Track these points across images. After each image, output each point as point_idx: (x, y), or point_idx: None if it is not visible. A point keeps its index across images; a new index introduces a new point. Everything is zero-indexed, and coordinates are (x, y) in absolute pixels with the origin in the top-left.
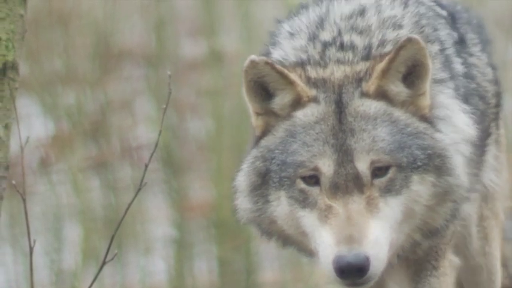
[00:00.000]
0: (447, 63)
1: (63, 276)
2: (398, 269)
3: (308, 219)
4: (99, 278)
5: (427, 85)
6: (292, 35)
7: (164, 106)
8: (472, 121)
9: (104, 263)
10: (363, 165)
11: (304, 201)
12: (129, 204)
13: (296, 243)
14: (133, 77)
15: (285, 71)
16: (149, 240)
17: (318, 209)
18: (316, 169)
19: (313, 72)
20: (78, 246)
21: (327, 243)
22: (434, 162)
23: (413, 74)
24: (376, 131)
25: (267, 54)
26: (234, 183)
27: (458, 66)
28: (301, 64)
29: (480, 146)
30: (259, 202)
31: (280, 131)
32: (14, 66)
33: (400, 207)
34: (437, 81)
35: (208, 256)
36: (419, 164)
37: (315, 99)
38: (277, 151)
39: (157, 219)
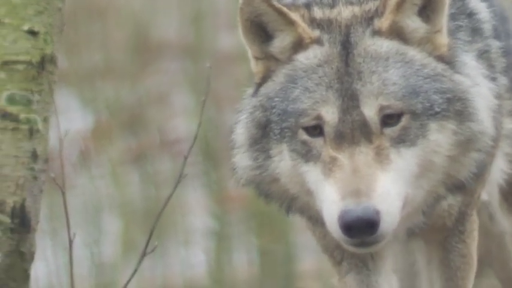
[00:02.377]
0: (478, 40)
1: (103, 268)
2: (425, 237)
3: (312, 173)
4: (139, 270)
5: (444, 20)
6: None
7: (203, 98)
8: (494, 87)
9: (143, 255)
10: (370, 111)
11: (307, 154)
12: (169, 197)
13: (301, 206)
14: (171, 70)
15: (284, 9)
16: (189, 232)
17: (321, 161)
18: (319, 117)
19: (318, 13)
20: (118, 238)
21: (331, 199)
22: (454, 107)
23: (428, 8)
24: (387, 73)
25: None
26: (232, 136)
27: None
28: (307, 4)
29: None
30: (260, 158)
31: (280, 76)
32: (53, 60)
33: (415, 159)
34: (459, 40)
35: (248, 247)
36: (437, 110)
37: (318, 41)
38: (277, 99)
39: (196, 211)
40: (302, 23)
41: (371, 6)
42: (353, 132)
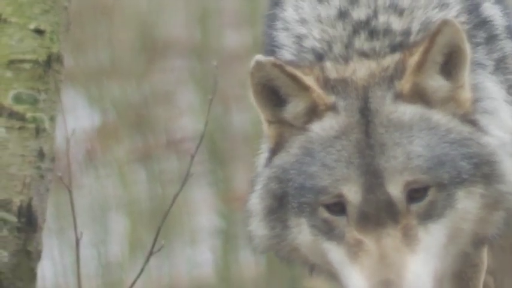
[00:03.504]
0: (494, 49)
1: (110, 268)
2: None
3: (335, 254)
4: (145, 269)
5: (466, 74)
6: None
7: (210, 97)
8: None
9: (150, 254)
10: (395, 189)
11: (329, 232)
12: (176, 196)
13: (325, 272)
14: (178, 69)
15: (298, 73)
16: (195, 231)
17: (346, 243)
18: (340, 196)
19: (332, 72)
20: (124, 238)
21: (359, 287)
22: (482, 171)
23: (449, 64)
24: (412, 145)
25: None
26: (247, 206)
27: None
28: (319, 56)
29: None
30: (277, 227)
31: (294, 147)
32: (59, 59)
33: (444, 231)
34: (479, 65)
35: None
36: (464, 177)
37: (333, 108)
38: (293, 172)
39: (203, 210)
40: (317, 88)
41: (389, 62)
42: (378, 212)
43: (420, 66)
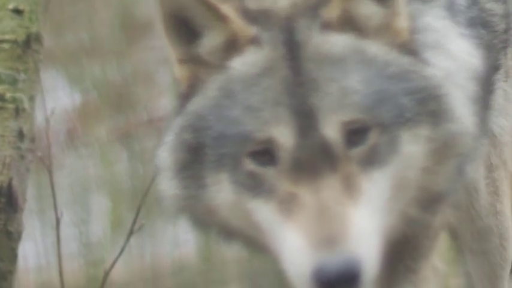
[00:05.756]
0: None
1: (91, 247)
2: None
3: (264, 212)
4: (127, 248)
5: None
6: None
7: None
8: (475, 48)
9: (130, 233)
10: (331, 130)
11: (256, 187)
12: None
13: (247, 239)
14: (158, 48)
15: (214, 1)
16: None
17: (277, 198)
18: (270, 141)
19: (251, 2)
20: (106, 217)
21: (297, 249)
22: (427, 108)
23: None
24: (346, 80)
25: None
26: (156, 161)
27: None
28: None
29: (487, 84)
30: (192, 186)
31: (212, 89)
32: (38, 38)
33: (388, 180)
34: (422, 0)
35: None
36: (407, 116)
37: (256, 41)
38: (211, 118)
39: None
40: (236, 18)
41: None
42: (314, 159)
43: None
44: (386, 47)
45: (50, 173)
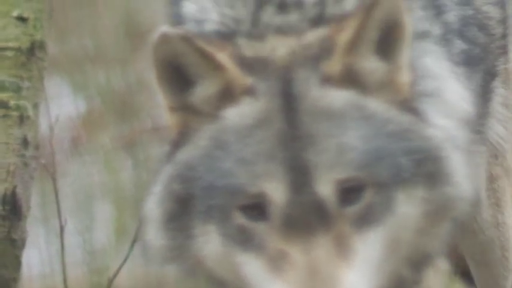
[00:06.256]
0: (441, 11)
1: (96, 255)
2: None
3: (253, 268)
4: (131, 256)
5: (406, 53)
6: None
7: None
8: (468, 92)
9: (134, 240)
10: (326, 188)
11: (245, 242)
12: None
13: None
14: None
15: (210, 50)
16: None
17: (266, 254)
18: (262, 196)
19: (248, 50)
20: (110, 225)
21: None
22: (425, 170)
23: (386, 41)
24: (344, 136)
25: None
26: (143, 211)
27: None
28: (231, 36)
29: (484, 92)
30: (179, 237)
31: (203, 138)
32: (42, 46)
33: (382, 241)
34: (419, 36)
35: None
36: (404, 176)
37: (251, 91)
38: (201, 169)
39: None
40: (232, 67)
41: (312, 38)
42: (306, 216)
43: (353, 45)
44: (386, 104)
45: (54, 180)
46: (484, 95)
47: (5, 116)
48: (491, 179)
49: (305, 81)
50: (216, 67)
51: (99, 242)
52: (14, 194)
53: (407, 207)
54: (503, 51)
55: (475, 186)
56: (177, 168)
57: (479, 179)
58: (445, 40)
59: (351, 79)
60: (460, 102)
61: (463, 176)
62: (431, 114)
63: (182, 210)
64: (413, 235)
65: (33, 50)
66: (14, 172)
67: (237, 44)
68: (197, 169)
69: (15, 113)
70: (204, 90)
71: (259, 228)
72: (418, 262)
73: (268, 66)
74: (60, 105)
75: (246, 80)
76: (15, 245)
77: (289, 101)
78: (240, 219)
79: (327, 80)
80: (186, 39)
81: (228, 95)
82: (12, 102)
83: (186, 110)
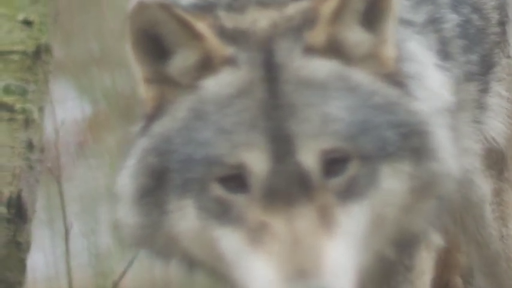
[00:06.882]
0: (424, 4)
1: (101, 258)
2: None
3: (231, 241)
4: (136, 259)
5: (391, 26)
6: None
7: None
8: (449, 81)
9: None
10: (309, 158)
11: (223, 215)
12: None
13: (210, 269)
14: None
15: (189, 18)
16: None
17: (246, 227)
18: (241, 166)
19: (228, 21)
20: (115, 228)
21: (266, 281)
22: (410, 144)
23: (372, 13)
24: (327, 106)
25: None
26: (116, 187)
27: None
28: (209, 8)
29: (482, 83)
30: (153, 213)
31: (181, 109)
32: (48, 49)
33: (366, 215)
34: (404, 23)
35: None
36: (390, 150)
37: (232, 61)
38: (178, 140)
39: None
40: (212, 37)
41: (294, 11)
42: (288, 187)
43: (337, 15)
44: (372, 76)
45: (59, 183)
46: (480, 85)
47: (10, 119)
48: (495, 192)
49: (287, 51)
50: (195, 36)
51: (104, 245)
52: (19, 197)
53: (393, 182)
54: (500, 40)
55: (462, 165)
56: (152, 141)
57: (469, 161)
58: (428, 29)
59: (334, 49)
60: (441, 90)
61: (448, 152)
62: (416, 92)
63: (157, 185)
64: (398, 212)
65: (38, 54)
66: (20, 175)
67: (216, 15)
68: (174, 141)
69: (20, 117)
70: (182, 61)
71: (239, 200)
72: (403, 242)
73: (249, 37)
74: (66, 109)
75: (226, 49)
76: (20, 248)
77: (270, 71)
78: (218, 191)
79: (310, 50)
80: (164, 7)
81: (207, 65)
82: (17, 106)
83: (163, 82)
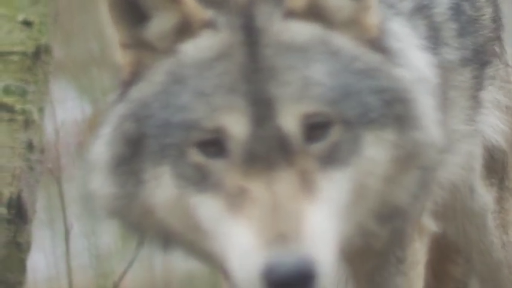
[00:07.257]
0: None
1: (101, 259)
2: (351, 267)
3: (209, 208)
4: (137, 260)
5: None
6: None
7: None
8: (431, 61)
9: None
10: (290, 122)
11: (201, 181)
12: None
13: (186, 244)
14: None
15: None
16: None
17: (225, 193)
18: (220, 130)
19: None
20: (116, 229)
21: (246, 246)
22: (393, 111)
23: None
24: (309, 70)
25: None
26: (89, 157)
27: None
28: None
29: (477, 78)
30: (129, 183)
31: (159, 73)
32: (48, 50)
33: (348, 183)
34: (389, 5)
35: None
36: (372, 116)
37: (211, 25)
38: (156, 105)
39: None
40: (191, 0)
41: None
42: (268, 152)
43: None
44: (354, 41)
45: (60, 184)
46: (476, 83)
47: (10, 120)
48: (496, 200)
49: (267, 15)
50: None
51: (104, 245)
52: (19, 197)
53: (376, 150)
54: (494, 35)
55: (445, 135)
56: (129, 107)
57: (450, 130)
58: (416, 17)
59: (315, 13)
60: (424, 69)
61: (432, 120)
62: (399, 61)
63: (133, 152)
64: (381, 182)
65: (38, 54)
66: (20, 176)
67: None
68: (151, 106)
69: (20, 117)
70: (160, 24)
71: (217, 165)
72: (386, 217)
73: (228, 1)
74: (66, 109)
75: (205, 13)
76: (20, 249)
77: (250, 35)
78: (196, 157)
79: (290, 14)
80: None
81: (185, 29)
82: (17, 106)
83: (140, 46)
